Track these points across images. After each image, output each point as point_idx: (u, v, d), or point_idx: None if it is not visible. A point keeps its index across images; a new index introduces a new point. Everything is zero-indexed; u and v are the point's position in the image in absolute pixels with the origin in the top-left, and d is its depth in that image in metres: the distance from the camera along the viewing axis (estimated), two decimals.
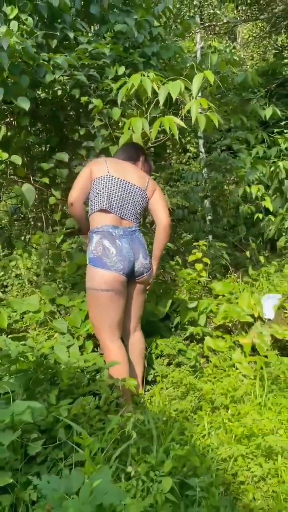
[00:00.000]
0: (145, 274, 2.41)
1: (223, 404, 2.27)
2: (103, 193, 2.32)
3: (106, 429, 1.67)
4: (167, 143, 3.85)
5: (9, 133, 2.76)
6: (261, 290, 3.80)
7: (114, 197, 2.33)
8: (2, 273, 3.05)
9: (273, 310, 3.25)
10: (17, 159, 2.69)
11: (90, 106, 2.83)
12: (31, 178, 3.05)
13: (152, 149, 3.31)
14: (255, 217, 4.36)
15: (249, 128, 4.15)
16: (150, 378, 2.62)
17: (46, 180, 2.90)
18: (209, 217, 5.53)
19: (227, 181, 5.41)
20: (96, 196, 2.34)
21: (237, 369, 2.73)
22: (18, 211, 4.45)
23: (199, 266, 3.36)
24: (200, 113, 2.57)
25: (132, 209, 2.39)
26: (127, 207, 2.38)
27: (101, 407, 1.87)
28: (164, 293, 3.24)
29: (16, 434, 1.47)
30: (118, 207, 2.34)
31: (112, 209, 2.32)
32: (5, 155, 2.61)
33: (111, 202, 2.32)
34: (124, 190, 2.37)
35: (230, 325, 3.29)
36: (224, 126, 4.22)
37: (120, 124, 2.90)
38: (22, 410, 1.51)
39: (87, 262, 2.30)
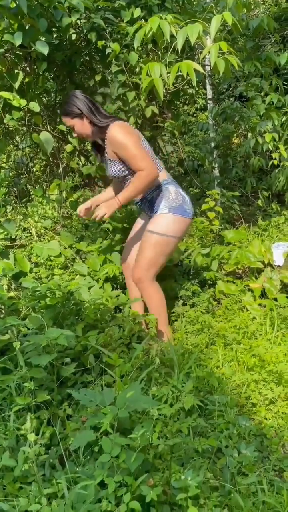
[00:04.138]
0: None
1: (236, 340, 2.42)
2: (152, 154, 2.43)
3: (132, 355, 1.82)
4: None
5: (26, 79, 2.76)
6: (271, 239, 3.89)
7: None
8: (20, 218, 3.13)
9: (282, 257, 3.35)
10: (35, 106, 2.71)
11: (107, 51, 2.82)
12: (47, 126, 3.08)
13: (167, 96, 3.30)
14: (270, 163, 4.35)
15: (262, 75, 4.10)
16: None
17: (62, 127, 2.92)
18: (218, 169, 5.53)
19: (238, 132, 5.37)
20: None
21: (247, 310, 2.88)
22: (23, 164, 4.45)
23: (211, 214, 3.45)
24: (218, 57, 2.55)
25: None
26: None
27: (125, 338, 2.02)
28: None
29: (53, 356, 1.62)
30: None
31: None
32: (23, 102, 2.63)
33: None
34: None
35: (240, 272, 3.41)
36: (237, 72, 4.16)
37: (136, 69, 2.89)
38: (57, 336, 1.65)
39: (165, 212, 2.36)
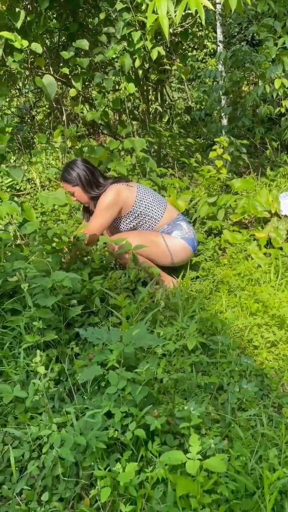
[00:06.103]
0: None
1: (240, 286, 2.45)
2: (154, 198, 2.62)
3: (137, 299, 1.86)
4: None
5: (28, 18, 2.64)
6: (279, 189, 3.84)
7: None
8: (25, 167, 3.10)
9: None
10: (37, 47, 2.61)
11: None
12: (50, 69, 2.97)
13: (174, 37, 3.15)
14: (277, 110, 4.22)
15: (276, 15, 3.88)
16: None
17: (66, 70, 2.82)
18: (226, 118, 5.38)
19: (248, 79, 5.16)
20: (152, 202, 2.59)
21: (252, 259, 2.89)
22: (26, 111, 4.33)
23: (219, 162, 3.38)
24: None
25: None
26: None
27: (130, 284, 2.05)
28: (184, 189, 3.31)
29: (59, 297, 1.66)
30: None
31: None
32: (25, 43, 2.53)
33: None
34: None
35: (247, 222, 3.40)
36: (249, 12, 3.94)
37: (143, 7, 2.74)
38: (62, 278, 1.68)
39: (178, 237, 2.56)
